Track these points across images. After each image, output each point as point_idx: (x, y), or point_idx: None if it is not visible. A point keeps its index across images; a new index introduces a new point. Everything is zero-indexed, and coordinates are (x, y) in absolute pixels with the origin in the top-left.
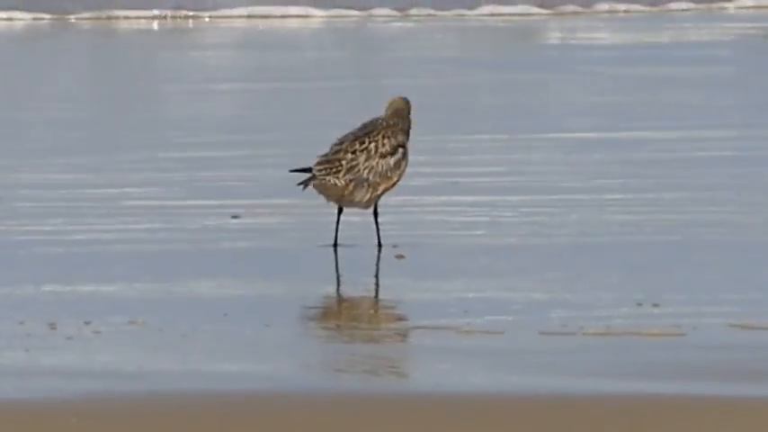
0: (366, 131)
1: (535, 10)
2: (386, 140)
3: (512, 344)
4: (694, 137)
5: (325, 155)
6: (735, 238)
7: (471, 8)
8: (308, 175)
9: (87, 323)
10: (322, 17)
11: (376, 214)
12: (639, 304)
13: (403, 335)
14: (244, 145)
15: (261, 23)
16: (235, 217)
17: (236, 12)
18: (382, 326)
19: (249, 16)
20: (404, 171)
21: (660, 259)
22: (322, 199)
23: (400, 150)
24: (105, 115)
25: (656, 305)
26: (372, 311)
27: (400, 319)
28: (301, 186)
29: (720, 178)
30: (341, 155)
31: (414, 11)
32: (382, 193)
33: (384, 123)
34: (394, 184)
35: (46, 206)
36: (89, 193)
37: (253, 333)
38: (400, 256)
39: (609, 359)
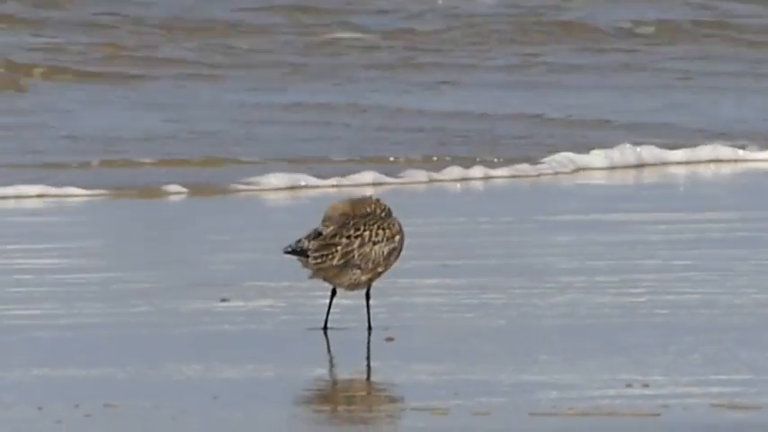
0: (364, 217)
1: None
2: (380, 230)
3: (501, 424)
4: (683, 218)
5: (319, 234)
6: (724, 319)
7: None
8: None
9: (77, 406)
10: None
11: (368, 297)
12: (629, 385)
13: (393, 417)
14: (230, 228)
15: None
16: (224, 300)
17: None
18: (373, 408)
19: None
20: (393, 262)
21: (650, 340)
22: (312, 282)
23: (397, 239)
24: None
25: (645, 385)
26: (363, 394)
27: (391, 401)
28: (288, 254)
29: (709, 260)
30: (336, 239)
31: None
32: (374, 278)
33: (379, 211)
34: (380, 274)
35: (34, 291)
36: (77, 278)
37: (242, 416)
38: (390, 339)
39: None
